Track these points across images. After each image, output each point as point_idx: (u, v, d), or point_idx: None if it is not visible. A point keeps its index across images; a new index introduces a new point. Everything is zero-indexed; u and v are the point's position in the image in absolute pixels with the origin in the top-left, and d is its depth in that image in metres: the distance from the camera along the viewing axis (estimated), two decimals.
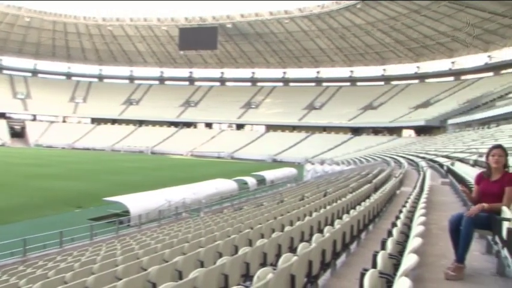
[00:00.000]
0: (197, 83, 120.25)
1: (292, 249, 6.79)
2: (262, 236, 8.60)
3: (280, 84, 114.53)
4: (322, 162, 54.24)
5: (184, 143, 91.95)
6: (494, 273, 5.10)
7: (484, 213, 5.02)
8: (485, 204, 5.09)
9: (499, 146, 5.47)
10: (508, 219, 4.39)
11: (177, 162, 68.21)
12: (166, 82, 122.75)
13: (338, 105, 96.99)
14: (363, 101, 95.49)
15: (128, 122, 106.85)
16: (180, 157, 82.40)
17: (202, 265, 6.64)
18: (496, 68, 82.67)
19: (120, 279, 5.76)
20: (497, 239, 4.87)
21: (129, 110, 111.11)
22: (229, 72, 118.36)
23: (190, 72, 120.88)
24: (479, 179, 5.53)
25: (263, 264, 6.28)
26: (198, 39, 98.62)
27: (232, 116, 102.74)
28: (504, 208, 4.86)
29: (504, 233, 4.27)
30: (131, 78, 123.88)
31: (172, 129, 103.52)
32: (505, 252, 4.30)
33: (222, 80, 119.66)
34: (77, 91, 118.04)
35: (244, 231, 9.31)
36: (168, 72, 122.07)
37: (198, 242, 9.46)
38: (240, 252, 6.28)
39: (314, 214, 9.99)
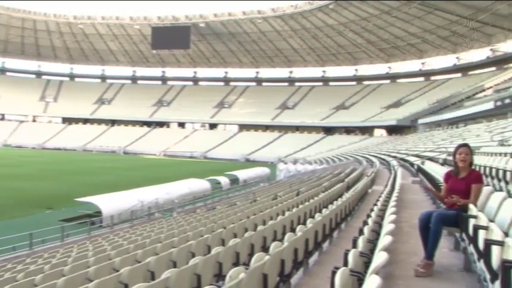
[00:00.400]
0: (170, 83, 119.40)
1: (265, 249, 6.79)
2: (235, 236, 8.59)
3: (253, 84, 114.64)
4: (295, 162, 54.49)
5: (157, 143, 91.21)
6: (461, 269, 5.21)
7: (452, 210, 5.13)
8: (461, 200, 5.22)
9: (465, 145, 5.60)
10: (474, 217, 4.48)
11: (150, 162, 67.65)
12: (139, 81, 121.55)
13: (311, 105, 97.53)
14: (335, 101, 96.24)
15: (99, 121, 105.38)
16: (153, 157, 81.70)
17: (175, 265, 6.60)
18: (464, 69, 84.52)
19: (92, 281, 5.68)
20: (464, 236, 4.98)
21: (101, 109, 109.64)
22: (202, 72, 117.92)
23: (163, 72, 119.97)
24: (447, 177, 5.66)
25: (236, 263, 6.28)
26: (171, 38, 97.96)
27: (205, 115, 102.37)
28: (471, 206, 4.97)
29: (470, 230, 4.36)
30: (103, 78, 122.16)
31: (145, 128, 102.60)
32: (471, 248, 4.39)
33: (195, 80, 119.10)
34: (48, 90, 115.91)
35: (217, 231, 9.28)
36: (141, 71, 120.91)
37: (170, 242, 9.40)
38: (213, 252, 6.26)
39: (287, 213, 10.03)
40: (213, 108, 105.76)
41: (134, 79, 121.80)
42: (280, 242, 5.73)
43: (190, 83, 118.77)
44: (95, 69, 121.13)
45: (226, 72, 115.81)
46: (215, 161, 76.42)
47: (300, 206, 11.02)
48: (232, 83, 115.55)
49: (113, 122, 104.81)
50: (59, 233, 19.80)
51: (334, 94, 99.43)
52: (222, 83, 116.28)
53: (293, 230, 7.31)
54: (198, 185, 35.28)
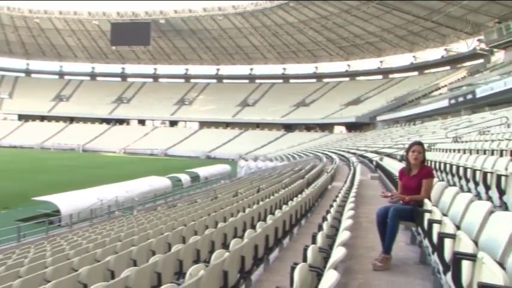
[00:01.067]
0: (130, 79, 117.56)
1: (225, 246, 6.80)
2: (196, 233, 8.57)
3: (214, 81, 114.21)
4: (255, 159, 54.63)
5: (117, 140, 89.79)
6: (417, 262, 5.35)
7: (408, 205, 5.26)
8: (406, 197, 5.40)
9: (418, 143, 5.74)
10: (428, 211, 4.61)
11: (110, 160, 66.56)
12: (98, 78, 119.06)
13: (271, 102, 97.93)
14: (295, 98, 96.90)
15: (58, 118, 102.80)
16: (113, 155, 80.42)
17: (135, 264, 6.52)
18: (420, 67, 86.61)
19: (49, 281, 5.55)
20: (419, 230, 5.11)
21: (59, 106, 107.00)
22: (163, 69, 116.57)
23: (123, 68, 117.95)
24: (401, 174, 5.80)
25: (196, 261, 6.25)
26: (130, 34, 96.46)
27: (165, 112, 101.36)
28: (426, 201, 5.11)
29: (425, 224, 4.48)
30: (61, 74, 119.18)
31: (105, 126, 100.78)
32: (426, 242, 4.51)
33: (155, 77, 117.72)
34: (2, 86, 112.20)
35: (177, 229, 9.24)
36: (100, 67, 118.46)
37: (130, 240, 9.29)
38: (173, 249, 6.23)
39: (247, 210, 10.06)
40: (173, 105, 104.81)
41: (93, 75, 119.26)
42: (241, 238, 5.74)
43: (151, 79, 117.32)
44: (53, 65, 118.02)
45: (186, 69, 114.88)
46: (176, 158, 75.83)
47: (261, 203, 11.07)
48: (192, 80, 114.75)
49: (72, 119, 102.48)
50: (15, 234, 19.26)
51: (294, 91, 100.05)
52: (182, 80, 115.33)
53: (253, 227, 7.34)
54: (159, 182, 34.98)
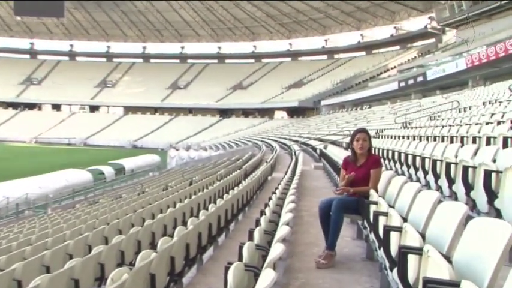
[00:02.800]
0: (41, 57, 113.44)
1: (153, 246, 6.75)
2: (120, 232, 8.46)
3: (140, 60, 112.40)
4: (188, 148, 54.54)
5: (27, 128, 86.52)
6: (364, 258, 5.49)
7: (353, 197, 5.39)
8: (350, 189, 5.48)
9: (362, 130, 5.87)
10: (374, 203, 4.74)
11: (18, 151, 64.32)
12: (1, 54, 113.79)
13: (205, 85, 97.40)
14: (232, 80, 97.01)
15: None
16: (22, 144, 77.59)
17: (47, 271, 6.35)
18: (368, 47, 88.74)
19: None
20: (365, 223, 5.26)
21: None
22: (80, 45, 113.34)
23: (31, 44, 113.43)
24: (346, 164, 5.89)
25: (120, 264, 6.18)
26: (39, 3, 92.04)
27: (84, 96, 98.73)
28: (372, 191, 5.25)
29: (371, 217, 4.60)
30: None
31: (11, 111, 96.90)
32: (372, 236, 4.64)
33: (72, 54, 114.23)
34: None
35: (98, 228, 9.09)
36: (2, 42, 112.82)
37: (43, 243, 9.05)
38: (94, 252, 6.12)
39: (178, 205, 10.03)
40: (94, 87, 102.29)
41: None
42: (170, 237, 5.72)
43: (66, 57, 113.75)
44: None
45: (108, 47, 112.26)
46: (97, 148, 74.21)
47: (193, 197, 11.07)
48: (115, 59, 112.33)
49: None
50: None
51: (230, 73, 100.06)
52: (103, 59, 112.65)
53: (185, 224, 7.32)
54: (78, 176, 34.22)
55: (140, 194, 18.08)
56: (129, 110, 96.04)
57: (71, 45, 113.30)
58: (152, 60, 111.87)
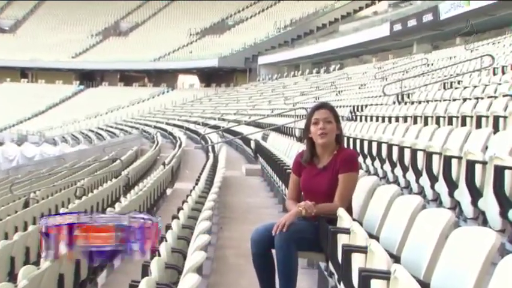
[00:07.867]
0: None
1: None
2: None
3: None
4: (20, 141, 39.18)
5: None
6: None
7: (308, 220, 3.44)
8: (313, 208, 3.43)
9: (324, 105, 3.79)
10: (345, 231, 2.91)
11: None
12: None
13: (48, 27, 67.64)
14: (100, 21, 67.79)
15: None
16: None
17: None
18: None
19: None
20: (331, 266, 3.32)
21: None
22: None
23: None
24: (298, 166, 3.81)
25: None
26: None
27: None
28: (340, 211, 3.33)
29: (339, 255, 2.83)
30: None
31: None
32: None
33: None
34: None
35: None
36: None
37: None
38: None
39: None
40: None
41: None
42: None
43: None
44: None
45: None
46: None
47: (30, 228, 6.83)
48: None
49: None
50: None
51: (98, 9, 68.12)
52: None
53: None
54: None
55: None
56: None
57: None
58: None
